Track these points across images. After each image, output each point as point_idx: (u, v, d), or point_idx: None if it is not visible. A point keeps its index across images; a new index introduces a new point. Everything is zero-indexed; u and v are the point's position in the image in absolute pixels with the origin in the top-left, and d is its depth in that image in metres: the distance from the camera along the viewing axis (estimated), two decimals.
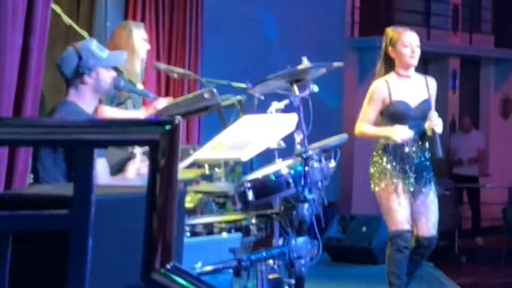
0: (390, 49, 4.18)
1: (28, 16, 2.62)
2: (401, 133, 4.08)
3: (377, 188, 4.12)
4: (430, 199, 4.15)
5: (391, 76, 4.19)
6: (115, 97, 4.17)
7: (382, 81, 4.19)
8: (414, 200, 4.10)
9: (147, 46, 4.38)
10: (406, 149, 4.10)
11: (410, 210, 4.08)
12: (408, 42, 4.14)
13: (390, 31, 4.24)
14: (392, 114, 4.13)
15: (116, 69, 4.03)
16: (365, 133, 4.19)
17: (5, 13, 2.48)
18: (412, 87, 4.19)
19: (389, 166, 4.09)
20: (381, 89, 4.16)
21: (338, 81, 8.77)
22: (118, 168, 3.33)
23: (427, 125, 4.12)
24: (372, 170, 4.17)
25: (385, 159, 4.11)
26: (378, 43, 7.15)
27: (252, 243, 3.02)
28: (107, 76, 3.11)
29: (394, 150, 4.11)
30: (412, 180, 4.09)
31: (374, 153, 4.21)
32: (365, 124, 4.17)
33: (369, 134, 4.20)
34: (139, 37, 4.29)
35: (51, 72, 3.59)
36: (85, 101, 3.07)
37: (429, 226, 4.11)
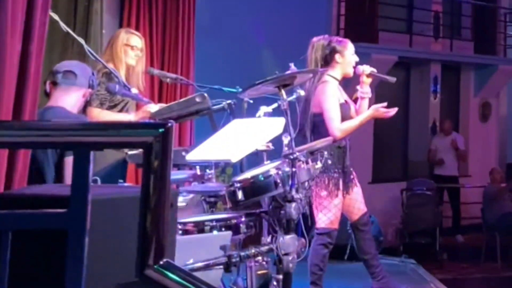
0: (337, 56, 4.33)
1: (27, 22, 2.61)
2: (382, 110, 4.26)
3: (320, 185, 4.25)
4: (355, 183, 4.40)
5: (333, 80, 4.35)
6: (105, 100, 4.25)
7: (334, 82, 4.34)
8: (348, 193, 4.33)
9: (136, 54, 4.32)
10: (345, 149, 4.30)
11: (342, 207, 4.32)
12: (354, 51, 4.37)
13: (331, 42, 4.40)
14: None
15: (110, 73, 4.13)
16: (350, 128, 4.28)
17: (5, 20, 2.49)
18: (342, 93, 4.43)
19: (333, 166, 4.26)
20: (335, 89, 4.34)
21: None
22: (112, 169, 3.41)
23: (366, 69, 4.32)
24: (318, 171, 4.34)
25: (329, 160, 4.24)
26: (362, 49, 7.24)
27: (242, 240, 3.05)
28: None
29: (338, 150, 4.27)
30: (349, 175, 4.32)
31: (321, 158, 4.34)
32: (339, 122, 4.27)
33: (353, 127, 4.29)
34: (122, 43, 4.28)
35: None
36: (73, 105, 3.20)
37: (361, 204, 4.42)
